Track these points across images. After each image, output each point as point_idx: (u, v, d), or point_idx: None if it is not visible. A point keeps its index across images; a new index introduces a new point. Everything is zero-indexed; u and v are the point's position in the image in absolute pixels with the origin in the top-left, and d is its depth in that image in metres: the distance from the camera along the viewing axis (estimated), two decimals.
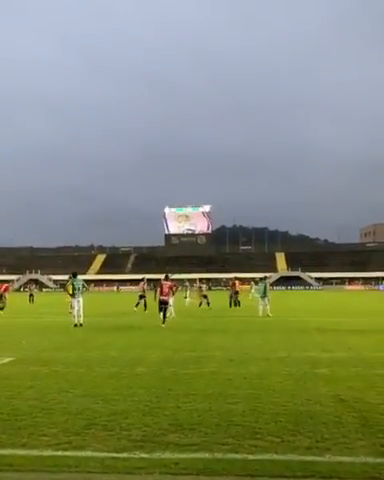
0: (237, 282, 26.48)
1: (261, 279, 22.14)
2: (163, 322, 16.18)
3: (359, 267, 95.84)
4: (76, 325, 15.79)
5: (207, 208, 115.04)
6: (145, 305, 23.67)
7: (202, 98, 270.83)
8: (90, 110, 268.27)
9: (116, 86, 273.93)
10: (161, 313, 16.56)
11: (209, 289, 28.17)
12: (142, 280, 24.91)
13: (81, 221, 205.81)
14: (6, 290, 24.32)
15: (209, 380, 7.15)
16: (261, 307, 20.31)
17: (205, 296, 26.84)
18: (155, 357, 9.32)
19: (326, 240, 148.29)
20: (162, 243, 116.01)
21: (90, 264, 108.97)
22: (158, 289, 17.68)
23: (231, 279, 27.98)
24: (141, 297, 24.08)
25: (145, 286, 24.46)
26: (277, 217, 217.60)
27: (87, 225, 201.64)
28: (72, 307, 16.61)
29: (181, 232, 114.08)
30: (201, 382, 7.01)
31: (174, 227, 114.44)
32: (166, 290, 16.86)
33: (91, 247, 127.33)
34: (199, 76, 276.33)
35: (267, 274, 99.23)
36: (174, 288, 17.64)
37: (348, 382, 6.97)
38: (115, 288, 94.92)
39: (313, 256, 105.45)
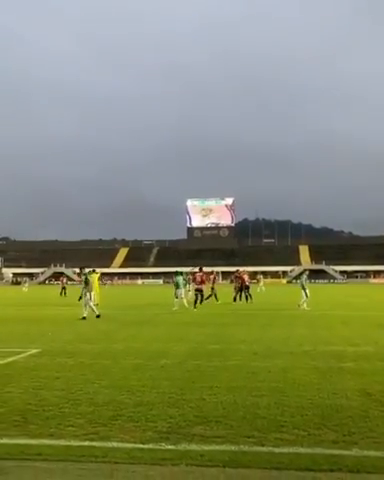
0: (246, 275, 24.55)
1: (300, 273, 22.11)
2: (194, 307, 19.71)
3: None
4: (83, 318, 15.74)
5: (230, 201, 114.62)
6: (216, 296, 23.97)
7: (221, 91, 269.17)
8: (113, 103, 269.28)
9: (137, 80, 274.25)
10: (197, 300, 20.21)
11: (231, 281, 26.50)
12: (212, 273, 25.32)
13: (104, 214, 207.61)
14: (213, 280, 24.54)
15: (233, 373, 7.15)
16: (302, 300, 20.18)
17: (246, 287, 24.19)
18: (179, 350, 9.37)
19: (350, 233, 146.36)
20: (184, 236, 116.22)
21: (113, 257, 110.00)
22: (192, 279, 21.35)
23: (238, 271, 25.26)
24: (211, 289, 24.33)
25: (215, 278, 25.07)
26: (300, 209, 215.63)
27: (110, 218, 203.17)
28: (90, 299, 16.47)
29: (204, 225, 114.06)
30: (225, 375, 7.02)
31: (197, 220, 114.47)
32: (199, 280, 20.86)
33: (114, 240, 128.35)
34: (217, 69, 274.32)
35: (290, 267, 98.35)
36: (205, 277, 21.42)
37: (375, 376, 6.90)
38: (139, 281, 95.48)
39: (337, 249, 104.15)
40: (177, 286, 20.62)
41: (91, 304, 16.45)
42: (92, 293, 16.88)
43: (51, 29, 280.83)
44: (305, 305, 19.74)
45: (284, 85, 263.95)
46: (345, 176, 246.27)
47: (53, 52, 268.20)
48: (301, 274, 21.22)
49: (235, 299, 24.24)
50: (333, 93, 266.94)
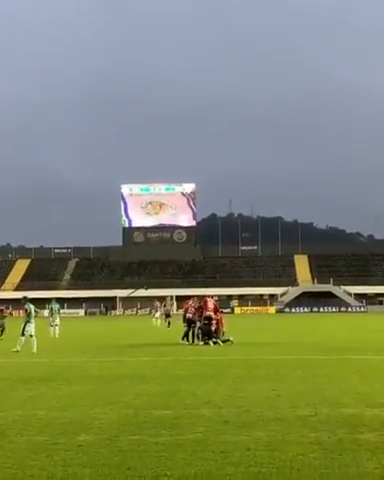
0: (211, 300, 25.69)
1: None
2: (210, 341, 23.74)
3: None
4: None
5: (189, 187, 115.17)
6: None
7: (174, 17, 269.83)
8: (9, 30, 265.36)
9: None
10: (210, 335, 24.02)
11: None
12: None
13: None
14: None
15: (191, 453, 7.14)
16: None
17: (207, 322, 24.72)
18: (107, 419, 9.30)
19: (371, 236, 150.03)
20: (118, 242, 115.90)
21: (5, 275, 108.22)
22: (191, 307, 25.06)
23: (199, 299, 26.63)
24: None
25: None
26: (297, 202, 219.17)
27: (1, 213, 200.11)
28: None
29: (150, 225, 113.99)
30: (179, 456, 6.99)
31: (138, 216, 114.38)
32: (212, 306, 24.45)
33: (7, 248, 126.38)
34: None
35: (282, 289, 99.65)
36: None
37: None
38: (47, 312, 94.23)
39: (352, 261, 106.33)
40: (29, 319, 22.52)
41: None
42: None
43: None
44: None
45: (271, 11, 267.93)
46: (365, 151, 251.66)
47: None
48: None
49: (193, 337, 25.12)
50: (344, 23, 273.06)
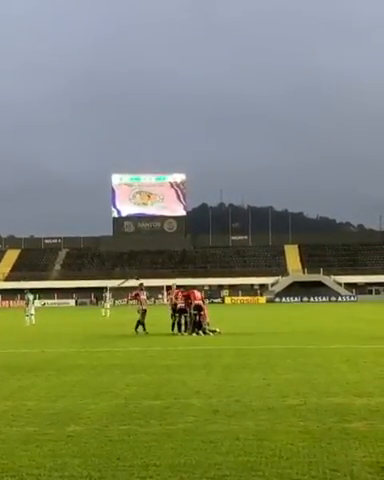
0: (196, 293, 25.57)
1: None
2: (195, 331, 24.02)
3: None
4: None
5: (179, 177, 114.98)
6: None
7: (173, 6, 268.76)
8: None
9: None
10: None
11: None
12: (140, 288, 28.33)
13: None
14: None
15: (181, 443, 7.17)
16: None
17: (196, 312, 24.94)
18: (97, 409, 9.34)
19: (362, 226, 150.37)
20: (109, 232, 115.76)
21: None
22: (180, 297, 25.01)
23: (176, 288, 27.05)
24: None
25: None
26: (287, 192, 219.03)
27: None
28: None
29: (138, 213, 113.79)
30: (168, 446, 7.03)
31: (128, 207, 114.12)
32: (200, 296, 25.09)
33: None
34: None
35: (272, 278, 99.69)
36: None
37: None
38: (37, 302, 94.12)
39: (342, 250, 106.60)
40: None
41: None
42: None
43: None
44: None
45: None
46: (356, 142, 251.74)
47: None
48: None
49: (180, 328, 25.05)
50: (336, 14, 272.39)
